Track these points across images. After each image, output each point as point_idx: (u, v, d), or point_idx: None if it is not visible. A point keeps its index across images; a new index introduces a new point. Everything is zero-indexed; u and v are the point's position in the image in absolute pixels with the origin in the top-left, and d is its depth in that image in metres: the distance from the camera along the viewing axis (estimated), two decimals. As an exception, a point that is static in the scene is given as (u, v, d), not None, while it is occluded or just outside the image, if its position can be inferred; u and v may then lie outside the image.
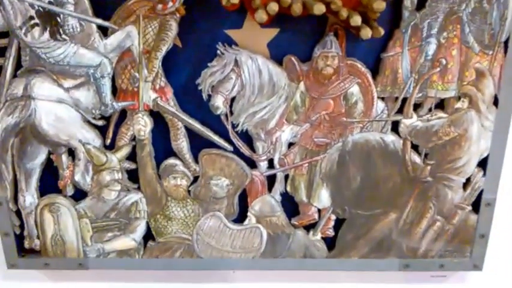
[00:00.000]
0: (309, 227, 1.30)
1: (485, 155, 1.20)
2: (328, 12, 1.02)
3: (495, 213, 1.25)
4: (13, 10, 1.08)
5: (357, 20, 0.97)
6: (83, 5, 1.09)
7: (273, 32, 1.13)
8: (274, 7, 0.97)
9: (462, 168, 1.21)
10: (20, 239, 1.28)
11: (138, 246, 1.28)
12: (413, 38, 1.12)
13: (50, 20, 1.10)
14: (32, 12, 1.09)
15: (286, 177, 1.26)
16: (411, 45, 1.13)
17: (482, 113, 1.16)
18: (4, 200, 1.24)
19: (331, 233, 1.29)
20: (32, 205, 1.26)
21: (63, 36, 1.11)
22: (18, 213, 1.26)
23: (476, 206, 1.24)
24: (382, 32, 1.04)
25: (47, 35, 1.11)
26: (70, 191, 1.26)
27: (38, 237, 1.28)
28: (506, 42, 1.10)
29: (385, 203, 1.27)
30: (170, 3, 1.09)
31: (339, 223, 1.30)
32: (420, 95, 1.16)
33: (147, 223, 1.29)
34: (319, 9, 0.95)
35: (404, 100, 1.17)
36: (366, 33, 1.00)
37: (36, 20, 1.10)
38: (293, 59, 1.15)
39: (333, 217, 1.29)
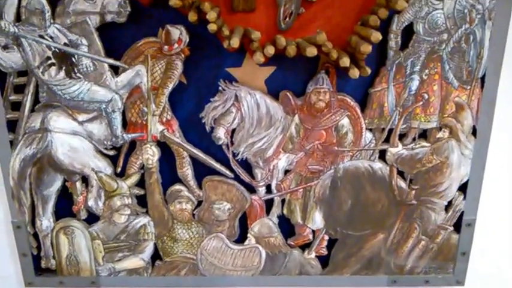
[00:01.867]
0: (304, 247, 1.29)
1: (465, 180, 1.21)
2: (320, 52, 1.00)
3: (475, 233, 1.25)
4: (31, 51, 1.09)
5: (346, 61, 0.98)
6: (96, 46, 1.10)
7: (269, 70, 1.13)
8: (270, 50, 0.99)
9: (444, 192, 1.21)
10: (37, 259, 1.27)
11: (147, 265, 1.28)
12: (398, 75, 1.12)
13: (65, 60, 1.11)
14: (49, 53, 1.09)
15: (283, 201, 1.26)
16: (396, 81, 1.13)
17: (461, 142, 1.16)
18: (23, 223, 1.23)
19: (324, 252, 1.29)
20: (48, 228, 1.25)
21: (78, 74, 1.12)
22: (35, 235, 1.26)
23: (457, 227, 1.25)
24: (369, 71, 1.05)
25: (62, 73, 1.11)
26: (83, 215, 1.25)
27: (54, 258, 1.27)
28: (482, 78, 1.12)
29: (374, 224, 1.27)
30: (176, 45, 1.09)
31: (331, 243, 1.29)
32: (405, 126, 1.17)
33: (155, 244, 1.28)
34: (311, 52, 0.96)
35: (390, 131, 1.17)
36: (354, 73, 1.01)
37: (53, 60, 1.10)
38: (288, 94, 1.15)
39: (326, 237, 1.29)
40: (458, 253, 1.26)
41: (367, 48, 0.96)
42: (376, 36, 0.94)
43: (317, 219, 1.27)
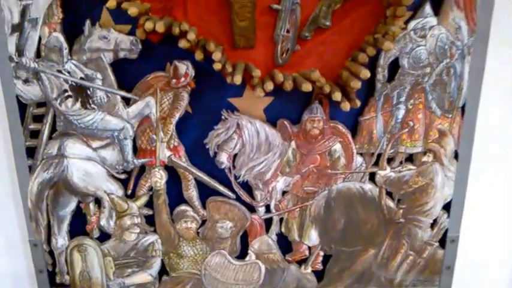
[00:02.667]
0: (301, 262, 1.31)
1: (448, 199, 1.24)
2: (314, 86, 1.05)
3: (458, 248, 1.28)
4: (50, 84, 1.12)
5: (337, 96, 1.03)
6: (109, 80, 1.13)
7: (268, 100, 1.16)
8: (269, 86, 1.03)
9: (429, 211, 1.24)
10: (52, 275, 1.29)
11: (154, 280, 1.29)
12: (386, 105, 1.16)
13: (81, 93, 1.14)
14: (66, 86, 1.12)
15: (281, 220, 1.28)
16: (384, 110, 1.17)
17: (445, 166, 1.20)
18: (39, 242, 1.25)
19: (320, 267, 1.31)
20: (63, 246, 1.26)
21: (93, 105, 1.15)
22: (51, 253, 1.27)
23: (442, 243, 1.27)
24: (358, 104, 1.09)
25: (78, 104, 1.14)
26: (96, 233, 1.27)
27: (68, 274, 1.29)
28: (463, 107, 1.16)
29: (365, 241, 1.29)
30: (183, 79, 1.13)
31: (326, 258, 1.31)
32: (392, 151, 1.20)
33: (162, 260, 1.29)
34: (306, 87, 1.01)
35: (379, 155, 1.21)
36: (346, 106, 1.05)
37: (70, 93, 1.13)
38: (285, 122, 1.19)
39: (321, 253, 1.31)
40: (443, 267, 1.29)
41: (356, 84, 1.01)
42: (365, 73, 0.99)
43: (313, 237, 1.29)
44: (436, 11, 1.08)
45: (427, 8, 1.06)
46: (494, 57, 1.12)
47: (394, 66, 1.13)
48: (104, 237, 1.27)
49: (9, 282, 1.37)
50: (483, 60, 1.11)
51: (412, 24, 1.07)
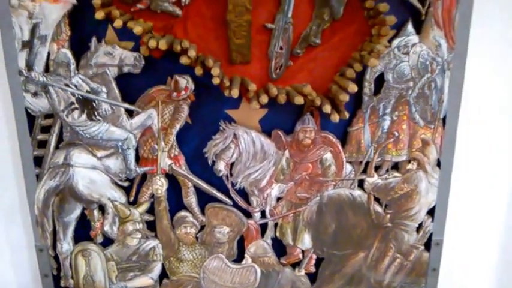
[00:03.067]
0: (295, 265, 1.33)
1: (432, 205, 1.26)
2: (306, 99, 1.09)
3: (443, 251, 1.30)
4: (57, 97, 1.16)
5: (327, 108, 1.08)
6: (114, 93, 1.17)
7: (263, 112, 1.20)
8: (264, 99, 1.08)
9: (415, 216, 1.27)
10: (57, 279, 1.31)
11: (155, 283, 1.31)
12: (372, 116, 1.19)
13: (87, 105, 1.17)
14: (73, 99, 1.16)
15: (276, 225, 1.30)
16: (371, 121, 1.20)
17: (428, 173, 1.23)
18: (45, 247, 1.27)
19: (313, 269, 1.33)
20: (68, 251, 1.28)
21: (98, 117, 1.18)
22: (56, 258, 1.29)
23: (427, 246, 1.29)
24: (347, 115, 1.13)
25: (84, 116, 1.17)
26: (100, 239, 1.29)
27: (72, 278, 1.30)
28: (444, 119, 1.19)
29: (355, 245, 1.31)
30: (183, 92, 1.16)
31: (318, 261, 1.33)
32: (379, 159, 1.23)
33: (163, 264, 1.31)
34: (298, 100, 1.06)
35: (367, 163, 1.24)
36: (335, 118, 1.10)
37: (76, 105, 1.17)
38: (279, 132, 1.22)
39: (314, 256, 1.33)
40: (429, 269, 1.31)
41: (345, 97, 1.07)
42: (352, 87, 1.05)
43: (306, 241, 1.31)
44: (418, 30, 1.11)
45: (409, 27, 1.10)
46: (472, 72, 1.16)
47: (380, 81, 1.16)
48: (107, 242, 1.29)
49: (15, 286, 1.38)
50: (462, 74, 1.15)
51: (396, 42, 1.11)
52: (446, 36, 1.12)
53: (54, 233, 1.27)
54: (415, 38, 1.12)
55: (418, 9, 1.09)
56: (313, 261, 1.33)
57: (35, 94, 1.16)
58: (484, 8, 1.13)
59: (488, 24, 1.16)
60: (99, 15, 1.03)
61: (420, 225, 1.28)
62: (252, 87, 1.08)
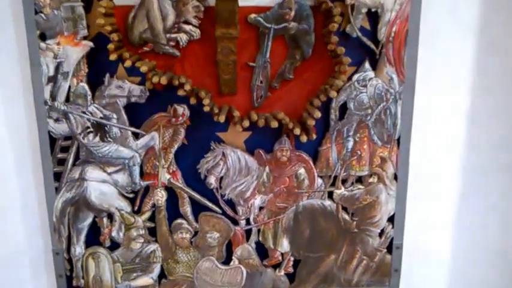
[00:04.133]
0: (276, 266, 1.37)
1: (392, 213, 1.34)
2: (281, 123, 1.21)
3: (403, 254, 1.37)
4: (76, 123, 1.24)
5: (297, 131, 1.19)
6: (123, 119, 1.25)
7: (247, 134, 1.28)
8: (246, 124, 1.19)
9: (377, 223, 1.33)
10: (69, 279, 1.35)
11: (155, 283, 1.36)
12: (338, 138, 1.27)
13: (100, 129, 1.25)
14: (89, 124, 1.25)
15: (259, 231, 1.35)
16: (337, 142, 1.28)
17: (387, 186, 1.31)
18: (61, 251, 1.33)
19: (291, 270, 1.38)
20: (80, 254, 1.33)
21: (109, 139, 1.26)
22: (69, 260, 1.34)
23: (389, 249, 1.36)
24: (314, 136, 1.22)
25: (98, 138, 1.25)
26: (108, 243, 1.34)
27: (83, 278, 1.35)
28: (398, 140, 1.28)
29: (327, 248, 1.36)
30: (180, 118, 1.25)
31: (296, 263, 1.38)
32: (345, 174, 1.30)
33: (162, 266, 1.35)
34: (274, 124, 1.18)
35: (335, 177, 1.30)
36: (303, 138, 1.21)
37: (91, 129, 1.25)
38: (261, 151, 1.29)
39: (292, 258, 1.37)
40: (392, 270, 1.37)
41: (312, 122, 1.19)
42: (317, 114, 1.17)
43: (284, 245, 1.36)
44: (373, 67, 1.22)
45: (367, 65, 1.22)
46: (419, 101, 1.25)
47: (344, 108, 1.25)
48: (114, 246, 1.34)
49: (32, 286, 1.42)
50: (411, 103, 1.25)
51: (356, 76, 1.22)
52: (397, 72, 1.22)
53: (69, 238, 1.32)
54: (371, 74, 1.23)
55: (373, 50, 1.21)
56: (291, 263, 1.37)
57: (57, 120, 1.24)
58: (428, 48, 1.23)
59: (432, 61, 1.25)
60: (113, 57, 1.15)
61: (382, 231, 1.34)
62: (236, 113, 1.20)
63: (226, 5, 1.12)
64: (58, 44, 1.19)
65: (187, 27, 1.18)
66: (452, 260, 1.46)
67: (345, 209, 1.33)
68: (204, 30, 1.18)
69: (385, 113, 1.26)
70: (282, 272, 1.38)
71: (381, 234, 1.35)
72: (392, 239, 1.36)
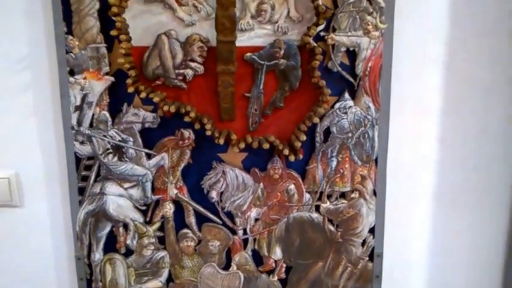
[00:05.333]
0: (270, 272, 1.39)
1: (372, 225, 1.36)
2: (273, 145, 1.26)
3: (384, 261, 1.39)
4: (98, 145, 1.30)
5: (286, 151, 1.25)
6: (138, 142, 1.30)
7: (244, 155, 1.32)
8: (242, 145, 1.25)
9: (360, 233, 1.36)
10: (89, 282, 1.39)
11: (163, 285, 1.38)
12: (323, 158, 1.31)
13: (118, 150, 1.30)
14: (109, 146, 1.30)
15: (254, 240, 1.37)
16: (322, 162, 1.32)
17: (367, 200, 1.34)
18: (82, 257, 1.37)
19: (283, 276, 1.39)
20: (99, 259, 1.37)
21: (126, 159, 1.30)
22: (89, 265, 1.37)
23: (371, 257, 1.38)
24: (301, 156, 1.27)
25: (116, 158, 1.30)
26: (123, 250, 1.38)
27: (101, 281, 1.38)
28: (376, 159, 1.31)
29: (315, 256, 1.38)
30: (186, 141, 1.29)
31: (288, 269, 1.40)
32: (330, 189, 1.33)
33: (169, 270, 1.38)
34: (265, 146, 1.24)
35: (321, 193, 1.33)
36: (291, 158, 1.26)
37: (111, 150, 1.30)
38: (256, 170, 1.33)
39: (284, 265, 1.39)
40: (373, 276, 1.39)
41: (298, 144, 1.25)
42: (302, 138, 1.23)
43: (277, 252, 1.38)
44: (352, 97, 1.27)
45: (346, 95, 1.27)
46: (393, 126, 1.31)
47: (327, 132, 1.30)
48: (128, 253, 1.37)
49: (56, 287, 1.46)
50: (386, 127, 1.30)
51: (337, 105, 1.27)
52: (373, 101, 1.26)
53: (90, 245, 1.35)
54: (351, 102, 1.27)
55: (352, 82, 1.26)
56: (284, 269, 1.39)
57: (82, 142, 1.29)
58: (399, 80, 1.28)
59: (403, 91, 1.30)
60: (131, 89, 1.22)
61: (364, 240, 1.35)
62: (234, 137, 1.26)
63: (226, 45, 1.19)
64: (84, 78, 1.25)
65: (193, 64, 1.25)
66: (428, 266, 1.47)
67: (330, 221, 1.34)
68: (207, 67, 1.25)
69: (363, 137, 1.29)
70: (276, 278, 1.39)
71: (363, 244, 1.36)
72: (373, 248, 1.37)
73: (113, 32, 1.20)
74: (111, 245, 1.38)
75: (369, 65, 1.25)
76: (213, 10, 1.21)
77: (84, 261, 1.38)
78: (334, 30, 1.24)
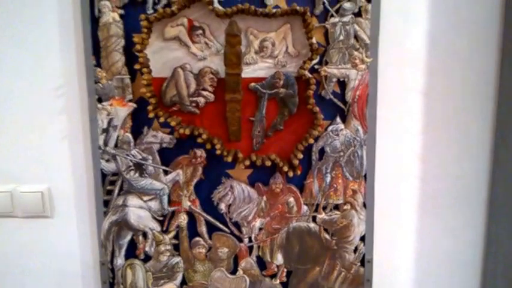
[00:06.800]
0: (272, 276, 1.44)
1: (363, 234, 1.41)
2: (274, 162, 1.33)
3: (374, 266, 1.45)
4: (121, 163, 1.37)
5: (285, 168, 1.32)
6: (156, 160, 1.37)
7: (249, 171, 1.38)
8: (247, 163, 1.32)
9: (352, 241, 1.41)
10: (112, 285, 1.45)
11: None
12: (319, 174, 1.37)
13: (139, 167, 1.38)
14: (131, 164, 1.37)
15: (259, 247, 1.42)
16: (318, 177, 1.37)
17: (358, 211, 1.39)
18: (106, 262, 1.43)
19: (285, 279, 1.44)
20: (121, 265, 1.43)
21: (145, 175, 1.37)
22: (112, 269, 1.44)
23: (362, 263, 1.42)
24: (299, 172, 1.34)
25: (137, 174, 1.37)
26: (142, 256, 1.43)
27: (122, 284, 1.44)
28: (365, 175, 1.37)
29: (312, 261, 1.42)
30: (199, 159, 1.37)
31: (288, 273, 1.44)
32: (325, 202, 1.38)
33: (183, 274, 1.43)
34: (267, 163, 1.31)
35: (317, 205, 1.38)
36: (290, 173, 1.33)
37: (133, 167, 1.37)
38: (260, 184, 1.39)
39: (285, 270, 1.44)
40: (364, 280, 1.44)
41: (296, 162, 1.32)
42: (300, 156, 1.30)
43: (279, 258, 1.43)
44: (343, 121, 1.34)
45: (338, 119, 1.34)
46: (379, 146, 1.38)
47: (322, 152, 1.36)
48: (147, 258, 1.43)
49: None
50: (373, 147, 1.37)
51: (330, 128, 1.34)
52: (361, 124, 1.34)
53: (113, 252, 1.42)
54: (341, 126, 1.34)
55: (343, 108, 1.35)
56: (285, 273, 1.44)
57: (107, 160, 1.37)
58: (384, 106, 1.36)
59: (388, 115, 1.38)
60: (151, 115, 1.30)
61: (356, 247, 1.41)
62: (240, 155, 1.33)
63: (233, 77, 1.29)
64: (111, 105, 1.34)
65: (205, 93, 1.34)
66: (414, 269, 1.51)
67: (326, 230, 1.40)
68: (216, 95, 1.33)
69: (353, 155, 1.36)
70: (278, 281, 1.44)
71: (355, 251, 1.42)
72: (364, 254, 1.42)
73: (136, 66, 1.31)
74: (131, 252, 1.44)
75: (357, 93, 1.33)
76: (222, 47, 1.32)
77: (107, 266, 1.45)
78: (326, 63, 1.33)
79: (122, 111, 1.36)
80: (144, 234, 1.44)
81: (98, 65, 1.33)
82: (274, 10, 1.28)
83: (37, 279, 1.54)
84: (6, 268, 1.53)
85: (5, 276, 1.52)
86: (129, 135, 1.37)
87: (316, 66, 1.33)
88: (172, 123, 1.31)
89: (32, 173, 1.46)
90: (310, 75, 1.31)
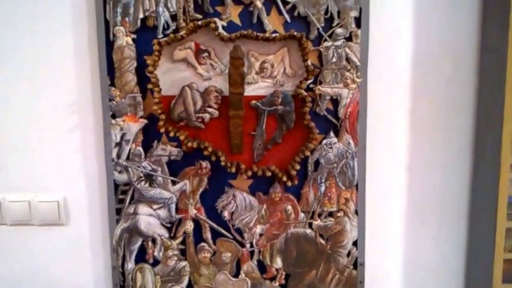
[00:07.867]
0: (272, 279, 1.48)
1: (356, 239, 1.45)
2: (274, 173, 1.38)
3: (365, 269, 1.49)
4: (133, 173, 1.42)
5: (284, 178, 1.37)
6: (165, 171, 1.41)
7: (250, 181, 1.43)
8: (249, 173, 1.37)
9: (345, 246, 1.46)
10: None
11: None
12: (314, 184, 1.42)
13: (149, 178, 1.42)
14: (141, 174, 1.41)
15: (259, 252, 1.46)
16: (313, 187, 1.43)
17: (351, 218, 1.44)
18: (117, 266, 1.47)
19: (284, 282, 1.48)
20: (131, 269, 1.47)
21: (155, 185, 1.41)
22: (123, 273, 1.48)
23: (355, 266, 1.47)
24: (296, 182, 1.38)
25: (147, 184, 1.42)
26: (151, 260, 1.47)
27: (133, 287, 1.48)
28: (357, 185, 1.42)
29: (309, 265, 1.46)
30: (204, 170, 1.42)
31: (287, 276, 1.48)
32: (320, 209, 1.43)
33: (189, 278, 1.48)
34: (267, 174, 1.36)
35: (313, 212, 1.43)
36: (288, 184, 1.38)
37: (143, 178, 1.42)
38: (260, 193, 1.43)
39: (284, 273, 1.48)
40: (357, 282, 1.48)
41: (294, 173, 1.37)
42: (297, 167, 1.36)
43: (278, 262, 1.48)
44: (336, 135, 1.40)
45: (331, 134, 1.40)
46: (369, 157, 1.44)
47: (317, 163, 1.41)
48: (155, 263, 1.47)
49: None
50: (364, 159, 1.42)
51: (324, 141, 1.39)
52: (353, 138, 1.40)
53: (124, 257, 1.46)
54: (335, 139, 1.41)
55: (336, 124, 1.40)
56: (283, 276, 1.48)
57: (120, 172, 1.42)
58: (373, 121, 1.42)
59: (377, 130, 1.44)
60: (162, 130, 1.36)
61: (349, 252, 1.46)
62: (242, 167, 1.38)
63: (236, 95, 1.36)
64: (123, 121, 1.40)
65: (210, 109, 1.40)
66: (403, 272, 1.57)
67: (321, 235, 1.45)
68: (221, 112, 1.39)
69: (346, 167, 1.42)
70: (277, 284, 1.48)
71: (348, 255, 1.47)
72: (356, 258, 1.47)
73: (149, 86, 1.39)
74: (141, 257, 1.49)
75: (349, 110, 1.40)
76: (226, 68, 1.38)
77: (118, 270, 1.48)
78: (320, 83, 1.39)
79: (134, 126, 1.42)
80: (153, 240, 1.48)
81: (112, 84, 1.39)
82: (273, 35, 1.36)
83: (51, 283, 1.58)
84: (29, 270, 1.56)
85: (21, 277, 1.57)
86: (140, 148, 1.42)
87: (311, 86, 1.39)
88: (181, 138, 1.38)
89: (49, 183, 1.50)
90: (306, 94, 1.37)
